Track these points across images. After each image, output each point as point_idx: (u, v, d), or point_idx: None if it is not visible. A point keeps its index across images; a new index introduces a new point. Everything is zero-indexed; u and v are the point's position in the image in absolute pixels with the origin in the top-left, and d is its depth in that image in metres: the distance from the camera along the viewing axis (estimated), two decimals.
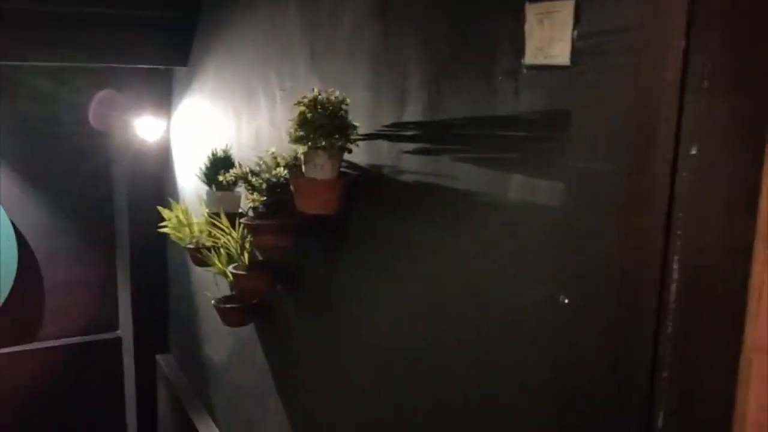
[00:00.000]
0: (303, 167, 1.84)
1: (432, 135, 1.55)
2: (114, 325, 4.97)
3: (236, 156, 2.73)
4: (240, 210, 2.69)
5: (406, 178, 1.66)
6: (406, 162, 1.65)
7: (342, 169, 1.87)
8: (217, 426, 3.58)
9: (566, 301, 1.17)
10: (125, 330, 4.83)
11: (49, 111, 4.43)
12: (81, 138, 4.54)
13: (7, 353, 4.60)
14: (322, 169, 1.80)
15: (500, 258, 1.33)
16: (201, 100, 3.43)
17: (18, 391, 4.62)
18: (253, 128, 2.67)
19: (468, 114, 1.40)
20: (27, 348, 4.69)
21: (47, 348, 4.74)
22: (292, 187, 1.90)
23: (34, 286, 4.67)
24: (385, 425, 1.83)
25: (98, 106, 3.93)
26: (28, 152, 4.49)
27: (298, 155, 1.94)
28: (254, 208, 2.16)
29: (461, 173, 1.44)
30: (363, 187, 1.86)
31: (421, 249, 1.61)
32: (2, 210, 4.41)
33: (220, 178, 2.35)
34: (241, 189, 2.56)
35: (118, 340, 4.94)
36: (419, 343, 1.64)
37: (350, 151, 1.82)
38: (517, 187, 1.27)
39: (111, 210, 4.83)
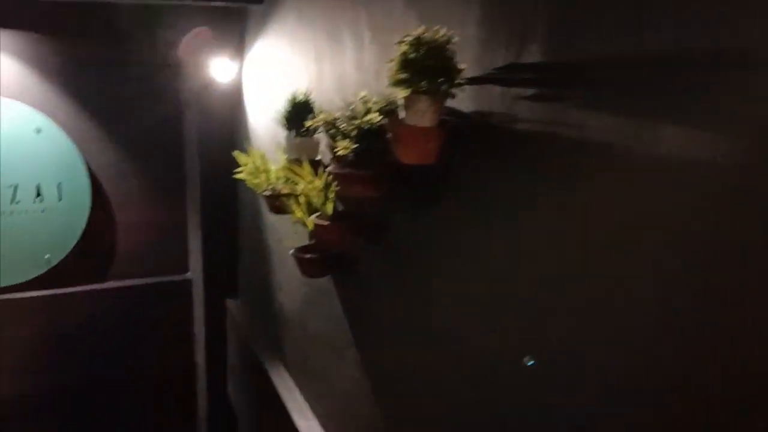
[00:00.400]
0: (401, 113, 1.69)
1: (558, 78, 1.37)
2: (184, 268, 5.02)
3: (316, 100, 2.60)
4: (318, 157, 2.58)
5: (520, 126, 1.50)
6: (522, 109, 1.48)
7: (442, 117, 1.71)
8: (288, 373, 3.57)
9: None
10: (195, 273, 4.87)
11: (122, 51, 4.38)
12: (154, 79, 4.50)
13: (80, 291, 4.70)
14: (423, 116, 1.65)
15: (639, 225, 1.17)
16: (277, 41, 3.29)
17: (90, 329, 4.74)
18: (336, 71, 2.52)
19: (609, 52, 1.22)
20: (99, 287, 4.78)
21: (119, 287, 4.82)
22: (389, 135, 1.76)
23: (107, 226, 4.73)
24: (471, 398, 1.72)
25: (192, 41, 3.89)
26: (103, 93, 4.47)
27: (395, 100, 1.79)
28: (341, 156, 2.03)
29: (594, 122, 1.26)
30: (465, 136, 1.71)
31: (533, 209, 1.46)
32: (77, 150, 4.43)
33: (307, 123, 2.22)
34: (320, 135, 2.44)
35: (188, 283, 5.00)
36: (518, 313, 1.51)
37: (454, 96, 1.66)
38: (671, 140, 1.09)
39: (182, 152, 4.80)
